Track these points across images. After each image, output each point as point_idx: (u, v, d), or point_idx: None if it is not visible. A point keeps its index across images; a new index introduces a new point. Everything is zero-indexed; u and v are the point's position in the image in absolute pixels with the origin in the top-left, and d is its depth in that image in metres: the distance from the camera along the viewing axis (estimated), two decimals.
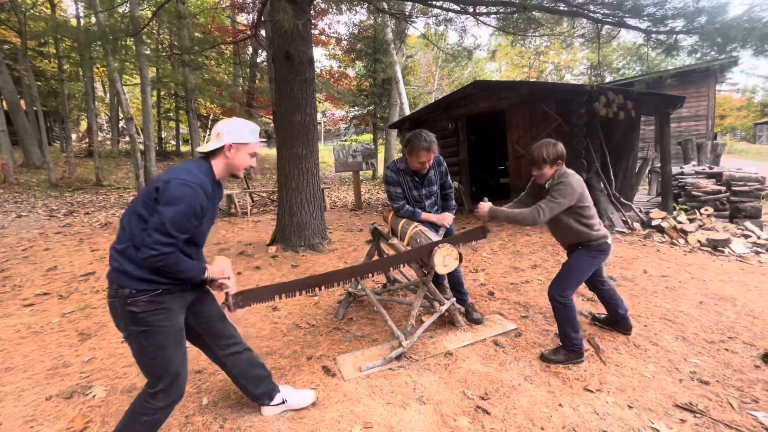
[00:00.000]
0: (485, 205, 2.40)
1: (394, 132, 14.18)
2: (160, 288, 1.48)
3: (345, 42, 16.90)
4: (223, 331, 1.79)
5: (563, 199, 2.22)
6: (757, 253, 4.65)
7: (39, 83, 15.32)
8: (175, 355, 1.55)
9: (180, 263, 1.47)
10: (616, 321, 2.68)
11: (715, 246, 4.82)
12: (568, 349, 2.35)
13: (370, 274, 2.46)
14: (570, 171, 2.34)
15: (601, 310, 3.00)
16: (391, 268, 2.84)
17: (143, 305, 1.45)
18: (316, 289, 2.18)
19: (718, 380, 2.14)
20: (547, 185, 2.38)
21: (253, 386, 1.87)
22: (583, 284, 2.51)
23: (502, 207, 2.45)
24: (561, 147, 2.32)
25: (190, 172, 1.51)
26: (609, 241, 2.39)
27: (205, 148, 1.63)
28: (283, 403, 1.93)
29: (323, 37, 16.40)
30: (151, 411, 1.53)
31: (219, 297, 1.78)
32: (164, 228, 1.40)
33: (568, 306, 2.31)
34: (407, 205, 2.79)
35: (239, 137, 1.62)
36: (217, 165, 1.64)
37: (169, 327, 1.52)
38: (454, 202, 3.01)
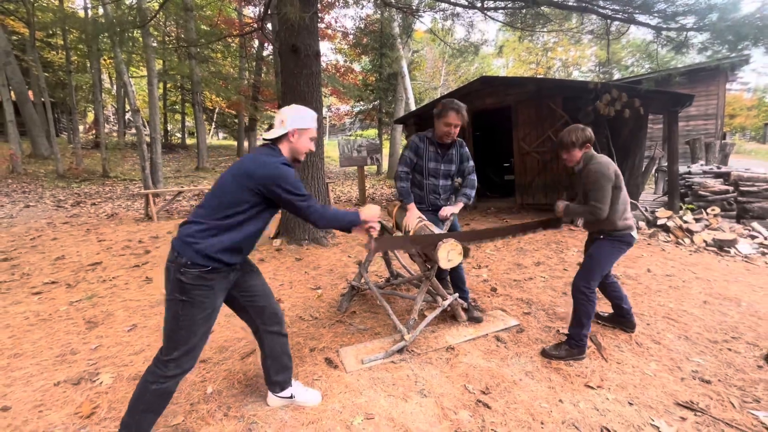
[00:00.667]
0: (562, 203, 2.50)
1: (400, 127, 14.14)
2: (210, 266, 1.56)
3: (351, 36, 16.84)
4: (267, 306, 1.86)
5: (604, 186, 2.25)
6: (764, 253, 4.61)
7: (47, 74, 15.42)
8: (200, 331, 1.61)
9: (334, 213, 1.73)
10: (621, 317, 2.68)
11: (721, 246, 4.78)
12: (572, 344, 2.35)
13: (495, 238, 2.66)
14: (598, 155, 2.37)
15: (602, 309, 3.00)
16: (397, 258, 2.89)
17: (192, 278, 1.54)
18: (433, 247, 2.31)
19: (720, 379, 2.14)
20: (577, 169, 2.43)
21: (275, 371, 1.92)
22: None
23: (571, 204, 2.51)
24: (590, 131, 2.38)
25: (275, 155, 1.68)
26: (634, 234, 2.41)
27: (270, 134, 1.75)
28: (291, 397, 1.96)
29: (330, 31, 16.35)
30: (161, 379, 1.58)
31: (365, 239, 2.01)
32: (301, 194, 1.64)
33: (591, 299, 2.32)
34: (406, 183, 2.80)
35: (302, 123, 1.74)
36: (283, 149, 1.76)
37: (207, 304, 1.59)
38: (473, 192, 2.90)
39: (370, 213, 1.83)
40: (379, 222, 1.88)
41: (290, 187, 1.62)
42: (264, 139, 1.79)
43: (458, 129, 2.70)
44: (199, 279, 1.55)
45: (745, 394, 2.02)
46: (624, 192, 2.37)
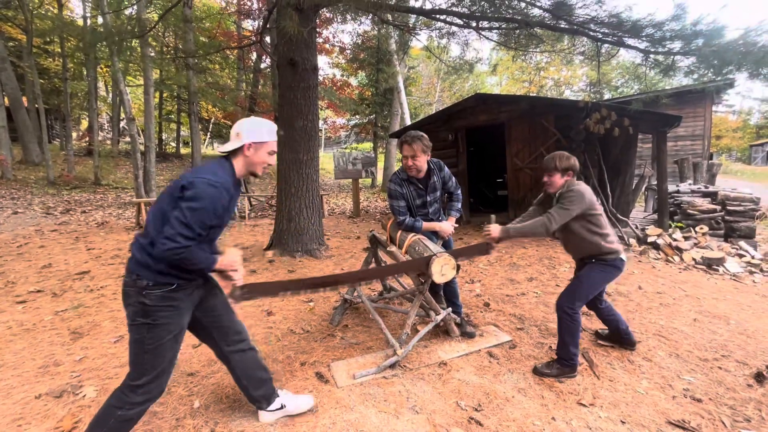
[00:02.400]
0: (495, 228, 2.40)
1: (394, 141, 14.28)
2: (175, 283, 1.52)
3: (348, 51, 17.11)
4: (230, 326, 1.80)
5: (572, 205, 2.26)
6: (751, 272, 4.69)
7: (42, 81, 15.39)
8: (167, 353, 1.56)
9: (194, 256, 1.50)
10: (620, 337, 2.67)
11: (710, 264, 4.85)
12: (562, 363, 2.34)
13: (374, 280, 2.46)
14: (578, 181, 2.39)
15: (598, 326, 3.01)
16: (393, 276, 2.83)
17: (156, 299, 1.49)
18: (321, 290, 2.20)
19: (711, 398, 2.15)
20: (556, 194, 2.42)
21: (254, 388, 1.86)
22: None
23: (510, 224, 2.47)
24: (574, 160, 2.39)
25: (215, 172, 1.56)
26: (623, 257, 2.40)
27: (225, 147, 1.68)
28: (281, 408, 1.91)
29: (327, 46, 16.60)
30: (127, 405, 1.53)
31: (227, 287, 1.80)
32: (186, 222, 1.45)
33: (574, 319, 2.31)
34: (408, 218, 2.76)
35: (258, 136, 1.66)
36: (238, 164, 1.68)
37: (172, 325, 1.55)
38: (459, 204, 2.94)
39: (229, 259, 1.65)
40: (240, 273, 1.71)
41: (187, 207, 1.45)
42: (219, 152, 1.71)
43: (420, 158, 2.61)
44: (163, 299, 1.51)
45: (735, 413, 2.03)
46: (604, 217, 2.38)
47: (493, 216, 2.55)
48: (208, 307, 1.74)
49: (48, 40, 15.97)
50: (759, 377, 2.33)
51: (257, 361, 1.88)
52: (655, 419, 1.96)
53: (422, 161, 2.65)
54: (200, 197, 1.47)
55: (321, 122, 23.73)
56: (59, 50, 14.04)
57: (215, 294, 1.78)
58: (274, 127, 1.75)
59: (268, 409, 1.90)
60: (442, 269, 2.32)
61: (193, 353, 2.62)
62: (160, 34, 15.61)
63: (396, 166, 15.53)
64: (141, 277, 1.49)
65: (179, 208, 1.46)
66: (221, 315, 1.77)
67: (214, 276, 1.76)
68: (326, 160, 19.80)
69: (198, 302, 1.70)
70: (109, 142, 20.03)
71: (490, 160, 10.45)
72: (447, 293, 2.92)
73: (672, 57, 4.71)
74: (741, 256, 5.17)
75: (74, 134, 19.42)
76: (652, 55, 4.82)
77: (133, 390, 1.53)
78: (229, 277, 1.71)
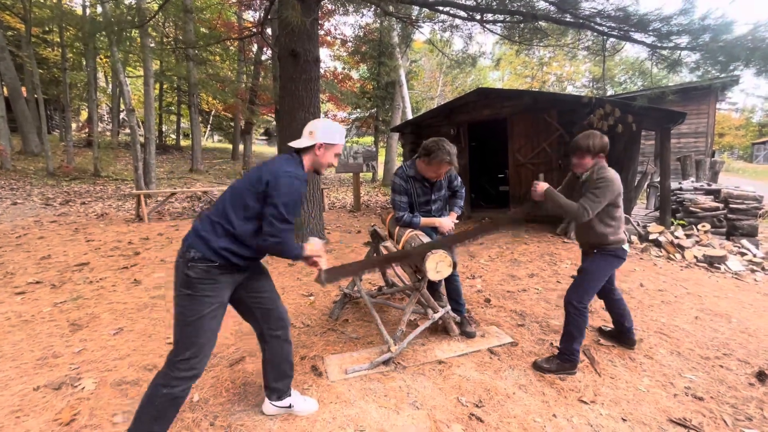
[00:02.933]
0: (543, 184, 2.29)
1: (396, 135, 14.20)
2: (218, 261, 1.58)
3: (350, 44, 16.95)
4: (274, 309, 1.85)
5: (604, 197, 2.20)
6: (753, 271, 4.67)
7: (41, 71, 15.26)
8: (207, 327, 1.59)
9: (290, 245, 1.65)
10: (621, 334, 2.65)
11: (712, 262, 4.83)
12: (563, 358, 2.33)
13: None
14: (609, 168, 2.28)
15: (600, 323, 3.00)
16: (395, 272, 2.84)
17: (199, 272, 1.55)
18: (390, 265, 2.42)
19: (713, 396, 2.14)
20: (584, 176, 2.34)
21: (275, 378, 1.88)
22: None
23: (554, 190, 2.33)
24: (606, 140, 2.29)
25: (293, 165, 1.66)
26: (626, 247, 2.38)
27: (298, 144, 1.75)
28: (289, 407, 1.91)
29: (329, 38, 16.43)
30: (173, 381, 1.54)
31: (314, 272, 1.98)
32: (284, 217, 1.58)
33: (582, 314, 2.29)
34: (407, 214, 2.71)
35: (331, 138, 1.75)
36: (307, 161, 1.76)
37: (212, 298, 1.59)
38: (462, 202, 2.91)
39: (314, 248, 1.82)
40: (321, 256, 1.85)
41: (281, 203, 1.57)
42: (291, 147, 1.79)
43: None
44: (205, 273, 1.56)
45: (737, 411, 2.02)
46: (621, 210, 2.33)
47: (541, 174, 2.45)
48: (253, 288, 1.79)
49: (47, 29, 15.81)
50: (761, 376, 2.32)
51: (288, 354, 1.91)
52: (656, 417, 1.95)
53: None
54: (290, 191, 1.58)
55: (322, 115, 23.62)
56: (58, 40, 13.91)
57: (262, 276, 1.84)
58: (344, 130, 1.85)
59: (276, 403, 1.90)
60: (437, 266, 2.29)
61: None
62: (160, 24, 15.46)
63: (397, 161, 15.45)
64: (190, 249, 1.56)
65: (273, 205, 1.57)
66: (266, 297, 1.83)
67: (303, 263, 1.87)
68: None
69: (243, 282, 1.75)
70: (108, 133, 19.95)
71: (492, 155, 10.40)
72: (450, 291, 2.89)
73: (678, 52, 4.65)
74: (743, 254, 5.15)
75: (74, 125, 19.33)
76: (658, 50, 4.76)
77: (176, 365, 1.56)
78: (315, 263, 1.84)
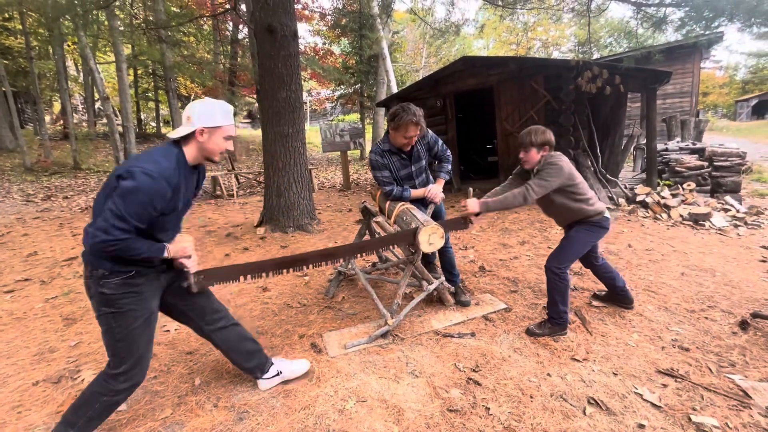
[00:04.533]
0: (473, 203, 2.33)
1: (382, 111, 13.97)
2: (133, 270, 1.47)
3: (329, 17, 16.35)
4: (207, 306, 1.78)
5: (551, 179, 2.25)
6: (736, 226, 4.79)
7: (6, 61, 14.46)
8: (141, 339, 1.54)
9: (134, 247, 1.41)
10: (616, 296, 2.70)
11: (697, 220, 4.94)
12: (553, 322, 2.39)
13: (342, 259, 2.39)
14: (557, 153, 2.35)
15: (591, 286, 3.07)
16: (364, 253, 2.68)
17: (115, 287, 1.45)
18: (284, 270, 2.04)
19: (698, 347, 2.23)
20: (534, 170, 2.39)
21: (244, 360, 1.88)
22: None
23: (487, 197, 2.45)
24: (550, 134, 2.35)
25: (155, 160, 1.43)
26: (607, 215, 2.41)
27: (175, 133, 1.54)
28: (278, 374, 1.95)
29: (306, 12, 15.84)
30: (111, 392, 1.53)
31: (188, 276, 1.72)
32: (120, 214, 1.35)
33: (563, 279, 2.34)
34: (396, 187, 2.69)
35: (211, 120, 1.52)
36: (190, 151, 1.55)
37: (139, 311, 1.52)
38: (449, 166, 2.85)
39: (178, 247, 1.58)
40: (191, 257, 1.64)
41: (121, 198, 1.35)
42: (169, 138, 1.57)
43: (417, 136, 2.55)
44: (123, 287, 1.47)
45: (721, 359, 2.11)
46: (584, 183, 2.36)
47: (470, 189, 2.54)
48: (179, 290, 1.69)
49: (7, 15, 14.91)
50: (743, 325, 2.42)
51: (242, 335, 1.88)
52: (645, 369, 2.03)
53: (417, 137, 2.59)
54: (136, 189, 1.35)
55: (305, 94, 23.05)
56: (20, 27, 13.14)
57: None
58: (230, 108, 1.60)
59: (264, 377, 1.93)
60: (429, 238, 2.30)
61: (190, 332, 2.61)
62: (128, 4, 14.67)
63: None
64: (96, 267, 1.44)
65: (112, 199, 1.36)
66: (194, 296, 1.73)
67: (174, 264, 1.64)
68: (313, 134, 19.35)
69: (167, 285, 1.66)
70: (85, 124, 19.24)
71: (480, 126, 10.32)
72: (443, 262, 2.91)
73: (664, 9, 4.58)
74: (726, 210, 5.27)
75: (47, 117, 18.58)
76: (644, 8, 4.67)
77: (115, 378, 1.53)
78: (182, 265, 1.62)
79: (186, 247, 1.60)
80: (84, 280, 1.50)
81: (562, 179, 2.27)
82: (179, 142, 1.56)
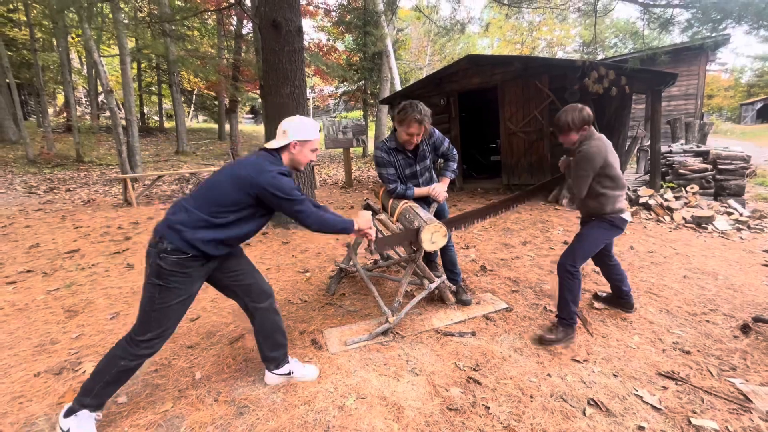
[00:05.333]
0: (566, 160, 2.53)
1: (385, 108, 13.95)
2: (191, 253, 1.59)
3: (334, 13, 16.29)
4: (254, 284, 1.89)
5: (585, 172, 2.23)
6: (739, 229, 4.78)
7: (10, 53, 14.47)
8: (174, 315, 1.65)
9: (330, 221, 1.81)
10: (619, 298, 2.69)
11: (699, 223, 4.92)
12: (563, 324, 2.33)
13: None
14: (596, 135, 2.28)
15: (591, 287, 3.06)
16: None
17: (171, 264, 1.57)
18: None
19: (699, 350, 2.22)
20: (575, 149, 2.36)
21: (268, 348, 1.94)
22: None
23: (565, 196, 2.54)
24: (587, 111, 2.26)
25: (274, 163, 1.73)
26: (626, 216, 2.38)
27: (272, 144, 1.80)
28: (289, 374, 1.97)
29: (311, 8, 15.77)
30: (130, 356, 1.62)
31: (364, 243, 2.21)
32: (294, 200, 1.69)
33: (575, 277, 2.32)
34: (399, 185, 2.68)
35: (303, 135, 1.79)
36: (285, 159, 1.81)
37: (182, 291, 1.63)
38: (455, 165, 2.85)
39: (364, 221, 1.95)
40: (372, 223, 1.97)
41: (284, 194, 1.66)
42: (266, 148, 1.81)
43: (422, 134, 2.54)
44: (177, 265, 1.58)
45: (722, 362, 2.10)
46: (619, 180, 2.29)
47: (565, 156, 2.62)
48: (228, 267, 1.82)
49: (11, 7, 14.89)
50: (744, 328, 2.41)
51: (277, 324, 1.95)
52: (645, 371, 2.03)
53: (421, 137, 2.58)
54: (280, 183, 1.65)
55: (309, 90, 22.99)
56: (25, 19, 13.12)
57: (236, 256, 1.86)
58: (317, 124, 1.88)
59: (276, 371, 1.96)
60: (432, 237, 2.30)
61: (191, 326, 2.62)
62: None
63: (387, 134, 15.23)
64: (164, 240, 1.56)
65: (287, 208, 1.70)
66: (243, 274, 1.86)
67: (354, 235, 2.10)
68: None
69: (217, 266, 1.78)
70: (88, 117, 19.23)
71: (483, 125, 10.29)
72: (445, 261, 2.90)
73: (671, 10, 4.55)
74: (729, 213, 5.25)
75: (51, 110, 18.59)
76: (650, 8, 4.64)
77: (137, 344, 1.62)
78: (366, 235, 2.01)
79: (369, 220, 1.99)
80: (147, 247, 1.62)
81: (597, 166, 2.22)
82: (277, 152, 1.80)
